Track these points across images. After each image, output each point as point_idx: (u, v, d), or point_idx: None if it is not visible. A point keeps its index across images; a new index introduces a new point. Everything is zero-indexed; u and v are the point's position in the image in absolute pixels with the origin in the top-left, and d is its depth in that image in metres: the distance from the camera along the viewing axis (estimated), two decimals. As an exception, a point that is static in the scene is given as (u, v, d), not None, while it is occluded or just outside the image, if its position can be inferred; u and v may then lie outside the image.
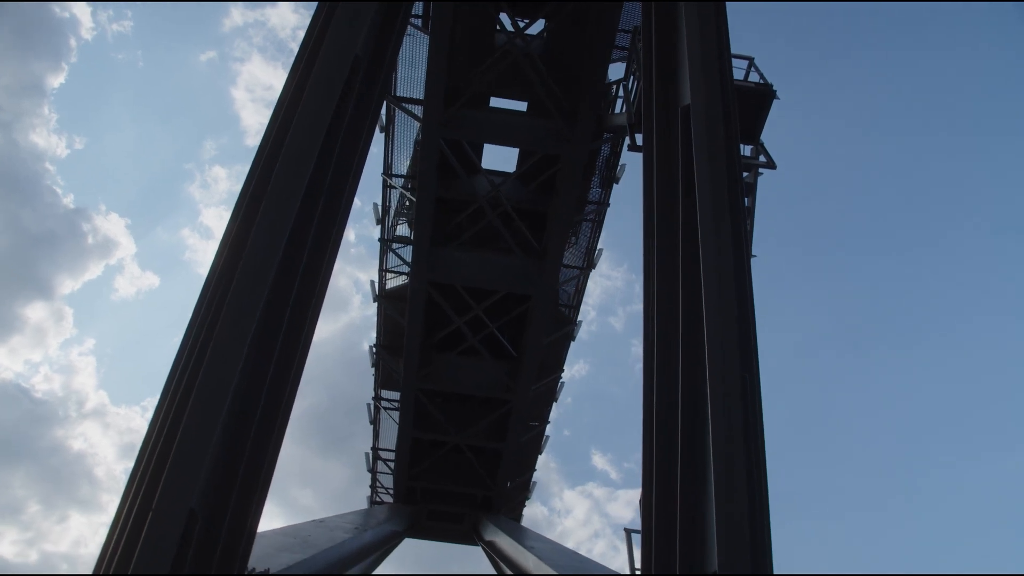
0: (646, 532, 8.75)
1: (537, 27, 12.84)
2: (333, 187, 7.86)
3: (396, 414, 18.40)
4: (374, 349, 17.84)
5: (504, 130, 13.10)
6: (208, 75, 47.27)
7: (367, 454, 20.38)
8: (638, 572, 10.11)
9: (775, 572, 6.96)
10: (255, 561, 9.69)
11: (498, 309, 16.61)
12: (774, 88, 9.16)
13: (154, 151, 46.91)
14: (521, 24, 12.43)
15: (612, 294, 50.13)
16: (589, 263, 16.13)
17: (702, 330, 7.94)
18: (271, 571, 9.69)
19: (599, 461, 50.82)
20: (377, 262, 16.13)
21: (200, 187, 48.07)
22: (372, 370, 18.65)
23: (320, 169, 7.58)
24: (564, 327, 17.24)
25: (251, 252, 6.61)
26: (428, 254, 14.58)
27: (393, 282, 16.59)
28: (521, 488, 20.58)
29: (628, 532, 10.52)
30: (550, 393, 18.57)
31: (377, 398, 18.48)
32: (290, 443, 42.38)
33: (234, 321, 6.47)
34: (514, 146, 13.30)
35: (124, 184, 46.52)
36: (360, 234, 49.16)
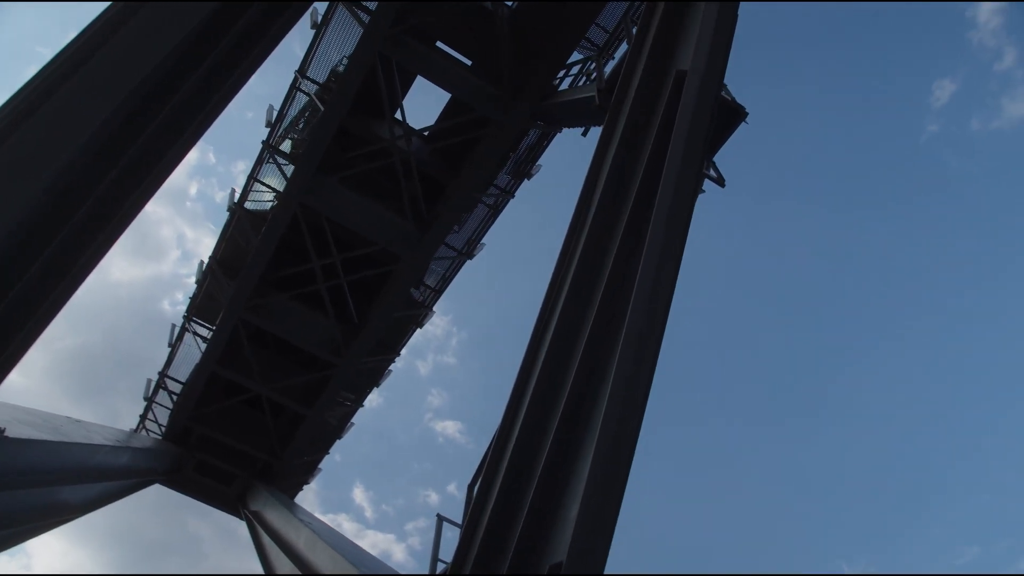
0: (472, 524, 7.79)
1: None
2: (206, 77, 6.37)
3: (204, 345, 16.28)
4: (204, 263, 15.81)
5: (446, 72, 12.11)
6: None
7: (150, 380, 17.92)
8: (444, 566, 8.97)
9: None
10: (-8, 420, 7.76)
11: (357, 265, 15.27)
12: (747, 111, 8.91)
13: (13, 21, 41.21)
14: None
15: (429, 339, 49.83)
16: (469, 251, 15.22)
17: (624, 313, 7.27)
18: (7, 432, 7.76)
19: (359, 496, 49.27)
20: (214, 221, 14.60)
21: (46, 77, 42.53)
22: (193, 288, 16.56)
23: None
24: (418, 309, 16.12)
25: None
26: (312, 175, 13.10)
27: (254, 204, 14.82)
28: (307, 469, 18.82)
29: (441, 519, 9.38)
30: (376, 374, 17.22)
31: (188, 318, 16.31)
32: (42, 376, 37.47)
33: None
34: (452, 91, 12.31)
35: (-37, 40, 40.31)
36: (203, 192, 45.08)
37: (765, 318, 44.92)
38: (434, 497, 47.28)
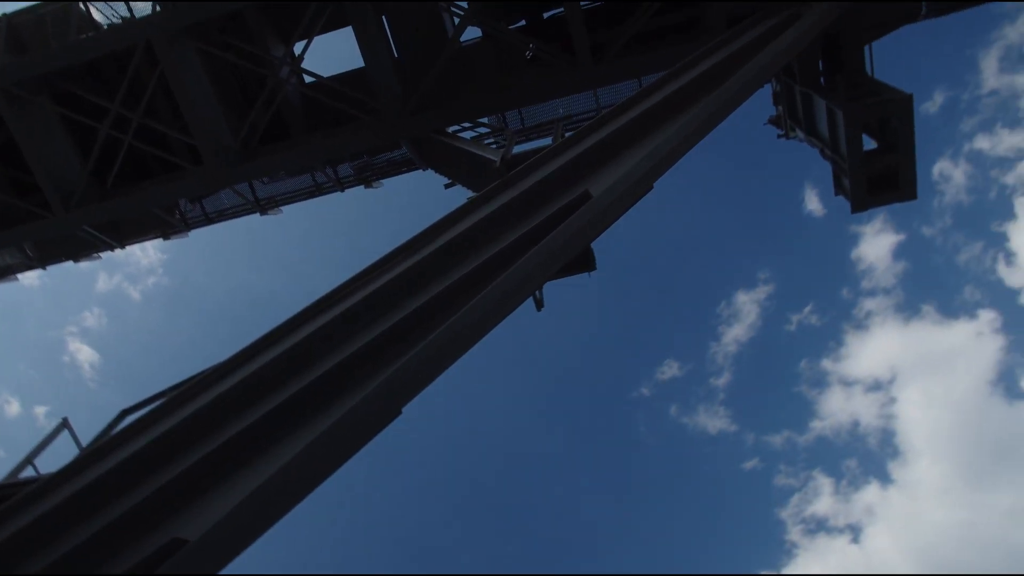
0: (103, 449, 6.88)
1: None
2: None
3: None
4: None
5: (374, 43, 11.45)
6: None
7: None
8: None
9: None
10: None
11: (153, 139, 13.59)
12: (596, 267, 9.16)
13: None
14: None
15: (130, 260, 46.22)
16: (264, 207, 14.10)
17: (393, 359, 7.02)
18: None
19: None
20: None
21: None
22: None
23: None
24: (176, 222, 14.49)
25: None
26: (180, 29, 11.64)
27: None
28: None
29: (65, 423, 7.94)
30: (80, 250, 15.03)
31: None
32: None
33: None
34: (368, 65, 11.55)
35: None
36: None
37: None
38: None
